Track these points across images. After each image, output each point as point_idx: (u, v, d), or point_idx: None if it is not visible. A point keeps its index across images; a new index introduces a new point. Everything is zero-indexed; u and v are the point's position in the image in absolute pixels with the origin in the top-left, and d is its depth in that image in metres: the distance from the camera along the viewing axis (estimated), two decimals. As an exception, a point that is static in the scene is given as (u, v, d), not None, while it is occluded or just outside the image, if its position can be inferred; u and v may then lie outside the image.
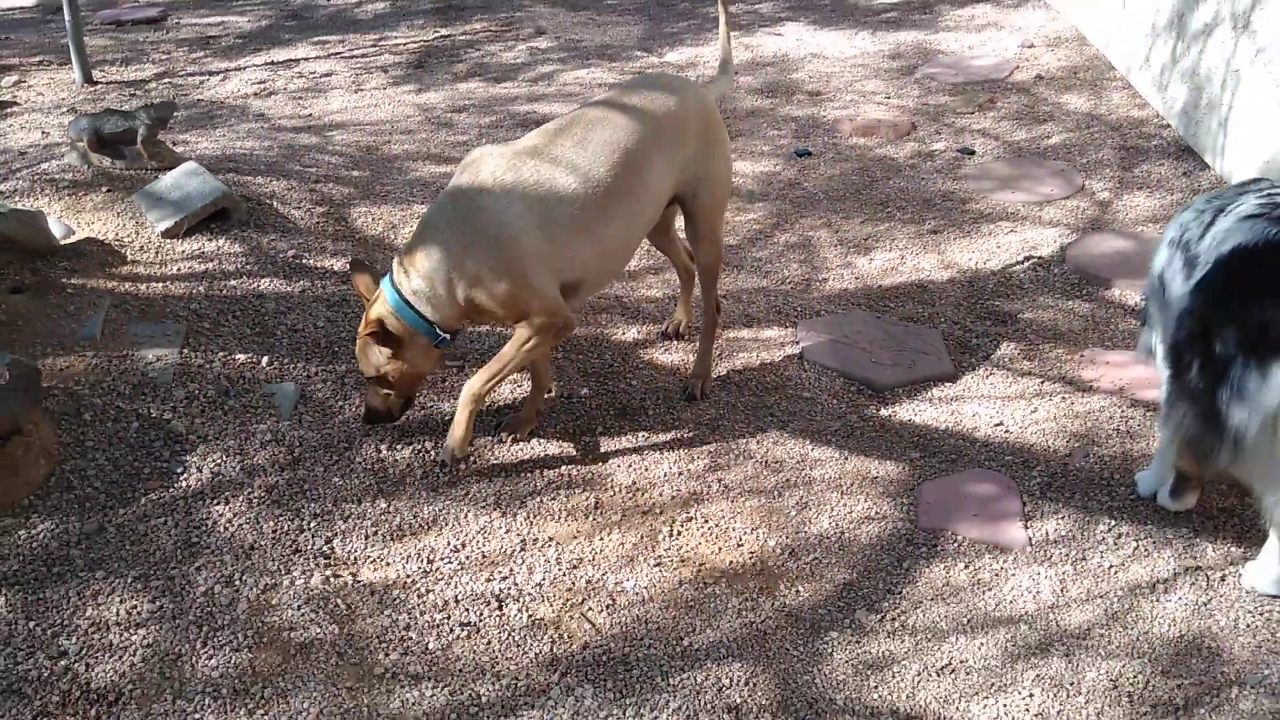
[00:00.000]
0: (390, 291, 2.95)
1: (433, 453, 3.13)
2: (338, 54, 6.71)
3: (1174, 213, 2.78)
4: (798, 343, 3.67)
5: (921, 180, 4.83)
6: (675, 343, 3.66)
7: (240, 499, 2.90)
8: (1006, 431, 3.28)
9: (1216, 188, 2.96)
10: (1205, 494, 2.96)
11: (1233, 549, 2.83)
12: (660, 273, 4.12)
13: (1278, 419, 2.42)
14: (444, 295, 2.92)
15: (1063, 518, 2.95)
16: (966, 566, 2.81)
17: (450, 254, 2.89)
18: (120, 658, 2.46)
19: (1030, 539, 2.88)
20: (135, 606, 2.58)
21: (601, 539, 2.87)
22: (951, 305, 3.90)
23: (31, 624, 2.52)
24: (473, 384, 3.02)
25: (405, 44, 6.87)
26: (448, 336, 3.01)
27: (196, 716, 2.35)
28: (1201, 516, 2.93)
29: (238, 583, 2.67)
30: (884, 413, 3.36)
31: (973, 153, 5.06)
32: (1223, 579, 2.75)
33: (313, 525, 2.85)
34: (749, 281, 4.07)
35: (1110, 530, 2.90)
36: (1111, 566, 2.79)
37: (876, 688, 2.48)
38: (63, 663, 2.44)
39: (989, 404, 3.39)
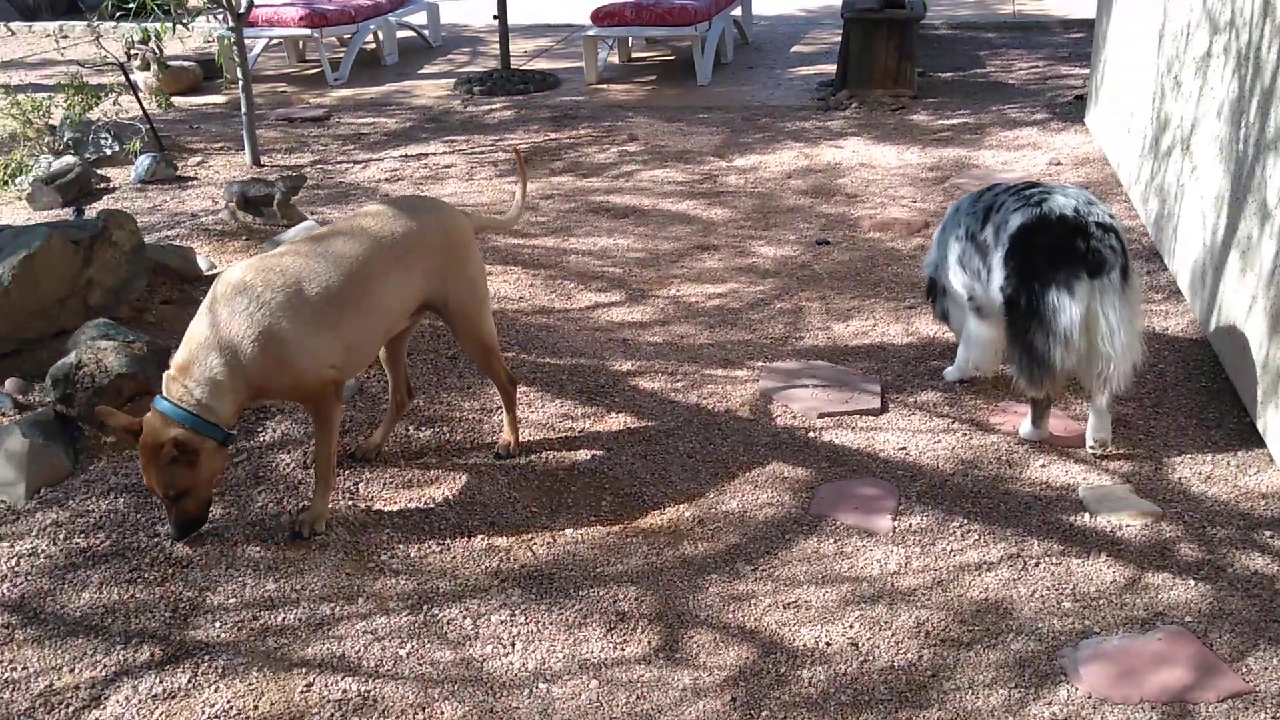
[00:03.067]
0: (174, 409, 3.24)
1: (448, 434, 4.09)
2: (461, 150, 7.95)
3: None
4: (758, 380, 4.52)
5: (917, 269, 5.64)
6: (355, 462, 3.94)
7: (297, 452, 3.91)
8: (907, 454, 4.04)
9: (991, 195, 4.15)
10: (1043, 512, 3.68)
11: (1054, 545, 3.53)
12: (666, 324, 5.04)
13: (1085, 320, 3.70)
14: (227, 396, 3.28)
15: (927, 515, 3.69)
16: (835, 542, 3.58)
17: (226, 357, 3.25)
18: (194, 541, 3.47)
19: (895, 528, 3.64)
20: (211, 513, 3.60)
21: (557, 501, 3.76)
22: (900, 362, 4.68)
23: (138, 515, 3.57)
24: (319, 469, 3.52)
25: (518, 144, 8.06)
26: (234, 433, 3.46)
27: (239, 579, 3.33)
28: (1039, 520, 3.64)
29: (284, 502, 3.66)
30: (811, 434, 4.17)
31: (969, 248, 5.84)
32: (1036, 564, 3.44)
33: (345, 473, 3.83)
34: (738, 335, 4.95)
35: (961, 526, 3.63)
36: (952, 550, 3.53)
37: (734, 612, 3.28)
38: (155, 540, 3.47)
39: (901, 434, 4.16)
